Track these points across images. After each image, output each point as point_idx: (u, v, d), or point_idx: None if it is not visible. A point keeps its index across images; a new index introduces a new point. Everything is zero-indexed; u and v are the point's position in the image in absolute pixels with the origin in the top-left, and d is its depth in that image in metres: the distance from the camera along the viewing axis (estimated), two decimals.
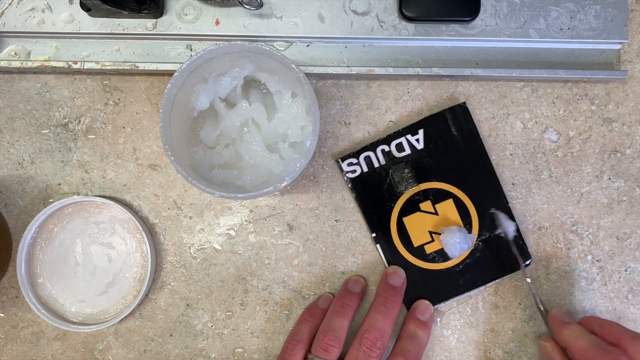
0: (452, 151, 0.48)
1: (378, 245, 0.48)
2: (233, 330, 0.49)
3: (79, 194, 0.50)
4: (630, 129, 0.49)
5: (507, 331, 0.48)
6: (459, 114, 0.48)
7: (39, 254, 0.48)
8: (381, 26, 0.47)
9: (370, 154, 0.48)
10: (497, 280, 0.48)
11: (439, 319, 0.49)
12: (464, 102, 0.48)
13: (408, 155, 0.48)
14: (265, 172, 0.43)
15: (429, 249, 0.48)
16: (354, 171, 0.48)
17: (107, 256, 0.49)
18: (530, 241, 0.49)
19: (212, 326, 0.49)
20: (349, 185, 0.49)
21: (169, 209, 0.50)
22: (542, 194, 0.49)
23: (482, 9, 0.47)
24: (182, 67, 0.40)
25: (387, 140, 0.48)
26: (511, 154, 0.49)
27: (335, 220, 0.49)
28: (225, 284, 0.49)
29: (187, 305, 0.49)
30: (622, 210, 0.49)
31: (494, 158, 0.49)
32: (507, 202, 0.48)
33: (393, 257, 0.48)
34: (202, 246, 0.50)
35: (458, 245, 0.47)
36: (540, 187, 0.49)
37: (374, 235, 0.48)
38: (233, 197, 0.39)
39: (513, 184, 0.49)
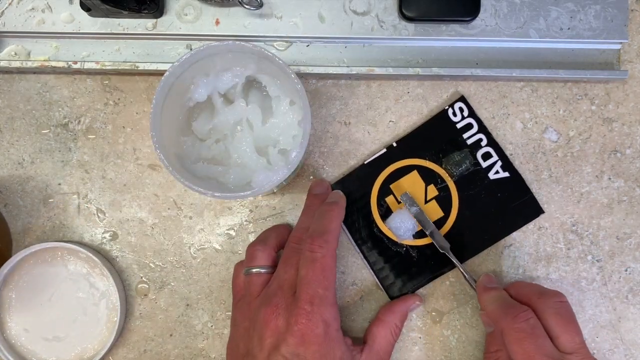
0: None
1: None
2: None
3: (78, 194, 0.50)
4: (630, 129, 0.49)
5: None
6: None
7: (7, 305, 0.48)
8: (381, 26, 0.47)
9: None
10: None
11: (439, 319, 0.49)
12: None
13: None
14: (250, 173, 0.43)
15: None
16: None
17: (76, 301, 0.48)
18: (531, 241, 0.49)
19: (212, 326, 0.49)
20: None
21: (169, 209, 0.50)
22: (542, 194, 0.49)
23: (482, 9, 0.47)
24: (183, 58, 0.40)
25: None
26: (511, 154, 0.49)
27: None
28: (225, 284, 0.49)
29: (187, 305, 0.49)
30: (622, 210, 0.49)
31: None
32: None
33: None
34: (202, 246, 0.50)
35: (403, 225, 0.47)
36: (540, 187, 0.49)
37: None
38: (210, 195, 0.40)
39: None
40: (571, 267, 0.48)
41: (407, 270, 0.48)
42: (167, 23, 0.48)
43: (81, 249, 0.47)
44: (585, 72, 0.47)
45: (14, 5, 0.48)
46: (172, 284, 0.50)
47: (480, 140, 0.48)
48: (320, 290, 0.40)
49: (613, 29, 0.47)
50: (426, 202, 0.48)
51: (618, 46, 0.48)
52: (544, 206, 0.49)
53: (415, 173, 0.48)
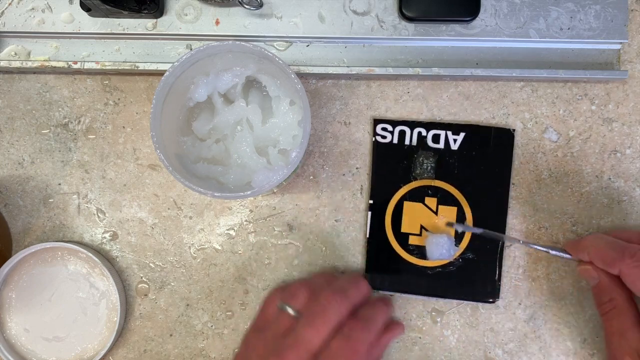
0: (480, 167, 0.48)
1: (369, 213, 0.48)
2: (233, 330, 0.49)
3: (78, 194, 0.50)
4: (630, 129, 0.49)
5: (507, 331, 0.48)
6: (504, 138, 0.48)
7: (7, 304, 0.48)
8: (381, 26, 0.47)
9: (407, 130, 0.49)
10: (460, 301, 0.48)
11: (439, 319, 0.49)
12: (514, 130, 0.48)
13: (440, 149, 0.48)
14: (250, 173, 0.43)
15: (413, 240, 0.48)
16: (384, 137, 0.49)
17: (76, 301, 0.48)
18: (530, 241, 0.49)
19: (212, 326, 0.49)
20: (372, 148, 0.49)
21: (169, 209, 0.50)
22: (542, 194, 0.49)
23: (482, 9, 0.47)
24: (183, 58, 0.40)
25: (427, 126, 0.49)
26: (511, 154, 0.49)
27: (335, 220, 0.49)
28: (225, 284, 0.49)
29: (187, 305, 0.49)
30: (622, 210, 0.49)
31: None
32: (504, 233, 0.48)
33: (377, 230, 0.48)
34: (202, 246, 0.50)
35: (440, 250, 0.47)
36: (540, 187, 0.49)
37: (370, 202, 0.48)
38: (210, 195, 0.40)
39: (513, 184, 0.49)
40: (571, 267, 0.48)
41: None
42: (167, 23, 0.48)
43: (81, 249, 0.47)
44: (585, 72, 0.47)
45: (14, 5, 0.48)
46: (172, 284, 0.50)
47: None
48: None
49: (613, 29, 0.47)
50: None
51: (618, 46, 0.48)
52: (544, 206, 0.49)
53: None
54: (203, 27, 0.48)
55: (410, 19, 0.47)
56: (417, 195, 0.48)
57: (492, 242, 0.48)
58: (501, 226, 0.48)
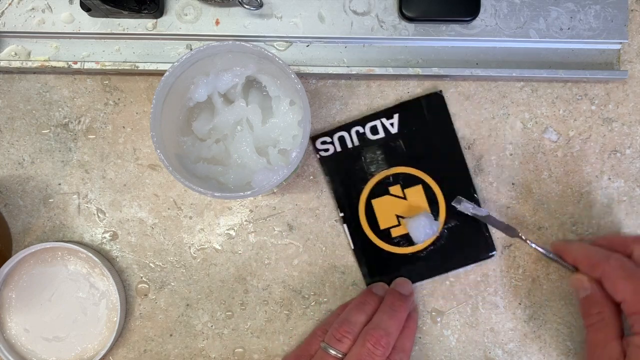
0: (424, 138, 0.48)
1: (345, 226, 0.48)
2: (233, 330, 0.49)
3: (78, 194, 0.50)
4: (630, 129, 0.49)
5: (507, 331, 0.48)
6: (435, 103, 0.48)
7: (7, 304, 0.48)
8: (381, 26, 0.47)
9: (345, 134, 0.49)
10: (462, 269, 0.48)
11: (439, 319, 0.49)
12: (440, 91, 0.49)
13: (382, 138, 0.48)
14: (250, 173, 0.43)
15: (395, 232, 0.48)
16: (327, 150, 0.49)
17: (76, 301, 0.48)
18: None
19: (212, 326, 0.49)
20: (320, 164, 0.49)
21: (169, 209, 0.50)
22: (542, 194, 0.49)
23: (482, 9, 0.47)
24: (183, 58, 0.40)
25: (362, 122, 0.49)
26: (511, 154, 0.49)
27: (335, 220, 0.49)
28: (225, 284, 0.49)
29: (187, 305, 0.49)
30: (622, 210, 0.49)
31: (493, 158, 0.49)
32: (475, 192, 0.48)
33: (359, 238, 0.48)
34: (202, 246, 0.50)
35: (423, 230, 0.47)
36: (540, 187, 0.49)
37: (342, 215, 0.49)
38: (210, 195, 0.40)
39: (513, 183, 0.49)
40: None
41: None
42: (167, 23, 0.48)
43: (81, 249, 0.47)
44: (585, 72, 0.47)
45: (14, 5, 0.48)
46: (172, 284, 0.50)
47: None
48: None
49: (613, 29, 0.47)
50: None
51: (618, 46, 0.48)
52: (544, 206, 0.49)
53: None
54: (203, 27, 0.48)
55: (410, 19, 0.47)
56: (380, 190, 0.48)
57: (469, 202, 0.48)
58: (468, 186, 0.48)
